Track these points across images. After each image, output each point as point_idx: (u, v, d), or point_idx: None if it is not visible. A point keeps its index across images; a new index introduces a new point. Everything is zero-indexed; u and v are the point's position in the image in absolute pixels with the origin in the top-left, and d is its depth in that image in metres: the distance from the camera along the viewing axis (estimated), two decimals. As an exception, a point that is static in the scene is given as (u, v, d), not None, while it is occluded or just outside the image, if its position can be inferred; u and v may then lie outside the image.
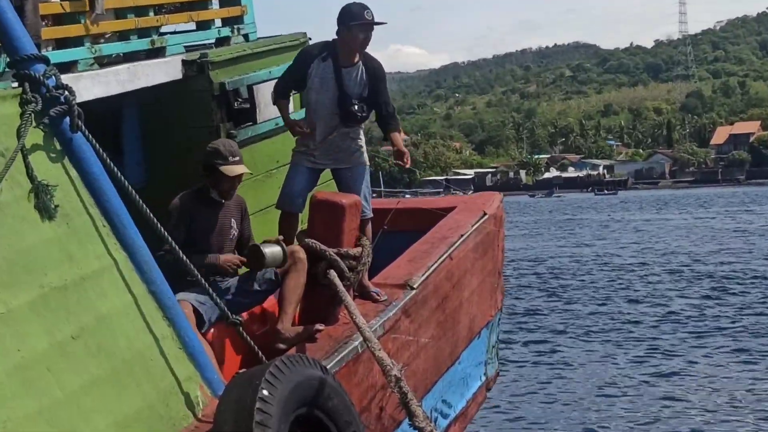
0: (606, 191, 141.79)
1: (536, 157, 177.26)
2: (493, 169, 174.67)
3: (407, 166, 6.43)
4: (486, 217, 7.71)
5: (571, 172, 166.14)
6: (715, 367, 17.64)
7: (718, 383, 16.46)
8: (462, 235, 7.17)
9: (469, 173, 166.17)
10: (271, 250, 5.66)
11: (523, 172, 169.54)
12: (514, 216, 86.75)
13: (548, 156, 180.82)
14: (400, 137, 6.51)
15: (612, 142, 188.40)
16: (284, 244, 5.77)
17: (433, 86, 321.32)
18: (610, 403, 15.17)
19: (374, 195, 8.69)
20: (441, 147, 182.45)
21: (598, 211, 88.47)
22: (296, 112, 6.83)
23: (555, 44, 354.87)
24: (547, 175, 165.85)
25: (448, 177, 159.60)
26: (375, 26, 6.28)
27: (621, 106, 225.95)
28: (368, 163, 6.59)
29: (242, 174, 5.74)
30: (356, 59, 6.30)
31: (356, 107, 6.25)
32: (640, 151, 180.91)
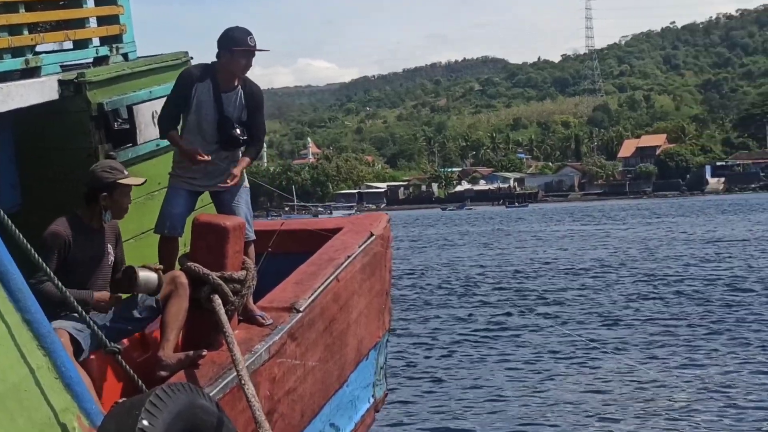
0: (517, 204, 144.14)
1: (448, 170, 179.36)
2: (406, 183, 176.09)
3: (229, 184, 6.22)
4: (373, 237, 7.70)
5: (482, 185, 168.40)
6: (598, 370, 17.92)
7: (599, 379, 16.98)
8: (349, 257, 7.16)
9: (382, 186, 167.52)
10: (146, 275, 5.55)
11: (435, 186, 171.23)
12: (424, 228, 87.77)
13: (460, 169, 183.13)
14: (245, 163, 6.37)
15: (522, 156, 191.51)
16: (161, 274, 5.66)
17: (344, 100, 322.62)
18: (501, 414, 15.30)
19: (287, 210, 8.69)
20: (353, 160, 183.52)
21: (508, 223, 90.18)
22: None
23: (464, 58, 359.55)
24: (459, 188, 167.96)
25: (361, 190, 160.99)
26: (258, 52, 6.24)
27: (530, 119, 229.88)
28: (248, 185, 6.55)
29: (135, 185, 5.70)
30: (236, 83, 6.27)
31: (238, 131, 6.22)
32: (550, 164, 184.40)
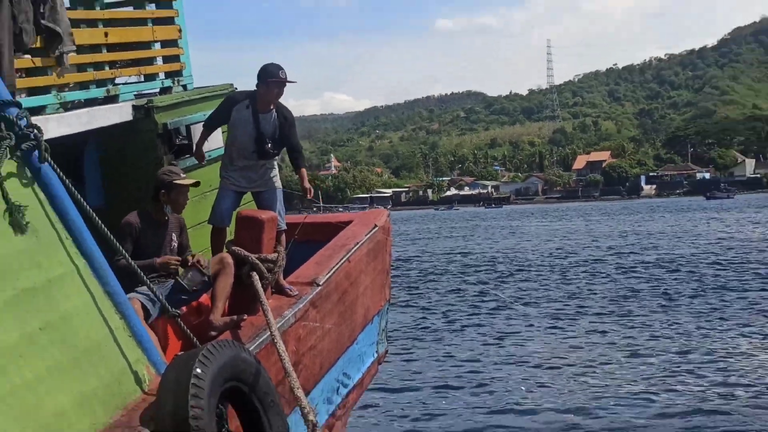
0: (494, 205, 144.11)
1: (439, 179, 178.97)
2: (407, 189, 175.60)
3: (310, 197, 6.35)
4: (376, 228, 7.68)
5: (466, 191, 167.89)
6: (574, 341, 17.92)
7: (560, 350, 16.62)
8: (357, 243, 7.15)
9: (388, 192, 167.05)
10: (188, 279, 5.64)
11: (429, 191, 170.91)
12: (421, 224, 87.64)
13: (449, 178, 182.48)
14: (305, 174, 6.39)
15: (497, 168, 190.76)
16: (204, 267, 5.69)
17: (359, 125, 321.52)
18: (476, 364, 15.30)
19: (315, 210, 8.72)
20: (366, 172, 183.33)
21: (486, 220, 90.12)
22: (221, 148, 6.75)
23: (452, 92, 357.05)
24: (448, 193, 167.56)
25: (372, 195, 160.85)
26: (288, 83, 6.20)
27: (503, 140, 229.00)
28: (281, 187, 6.50)
29: (190, 185, 5.72)
30: (271, 107, 6.22)
31: (269, 145, 6.19)
32: (519, 174, 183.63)
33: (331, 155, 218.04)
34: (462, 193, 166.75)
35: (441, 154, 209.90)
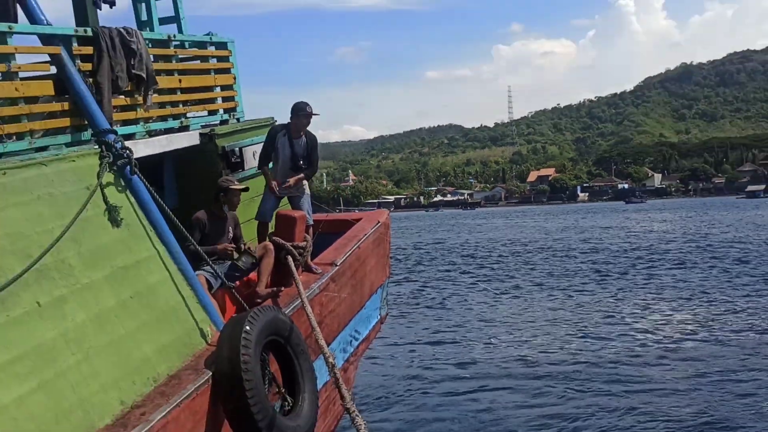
0: (469, 208, 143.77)
1: (428, 189, 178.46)
2: (404, 196, 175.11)
3: (288, 184, 6.08)
4: (379, 224, 7.65)
5: (449, 198, 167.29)
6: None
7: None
8: (365, 234, 7.12)
9: (391, 198, 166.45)
10: (242, 261, 5.63)
11: (421, 197, 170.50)
12: (416, 222, 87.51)
13: (435, 188, 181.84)
14: (301, 177, 6.17)
15: (472, 180, 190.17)
16: (254, 252, 5.63)
17: (370, 149, 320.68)
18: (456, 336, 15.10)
19: (338, 210, 8.76)
20: (375, 183, 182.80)
21: (463, 219, 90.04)
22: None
23: (438, 124, 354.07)
24: (435, 199, 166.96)
25: (379, 200, 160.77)
26: (313, 116, 6.17)
27: (476, 160, 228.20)
28: (309, 193, 6.46)
29: (241, 190, 5.67)
30: (301, 134, 6.19)
31: (301, 162, 6.17)
32: (488, 185, 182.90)
33: (349, 171, 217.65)
34: (445, 199, 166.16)
35: (430, 170, 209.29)
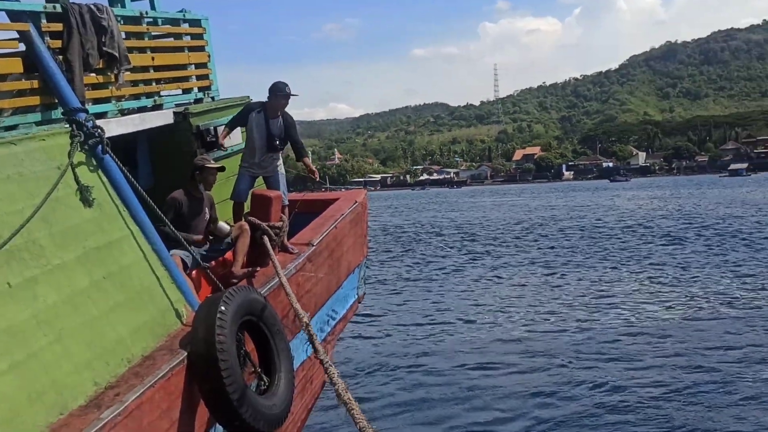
0: (455, 186, 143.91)
1: (415, 167, 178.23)
2: (391, 175, 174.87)
3: (317, 179, 6.22)
4: (356, 204, 7.59)
5: (435, 176, 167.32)
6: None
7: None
8: (342, 215, 7.07)
9: (377, 177, 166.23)
10: (221, 224, 5.65)
11: (408, 176, 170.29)
12: (403, 200, 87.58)
13: (422, 167, 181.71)
14: (308, 161, 6.26)
15: (458, 159, 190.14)
16: (231, 225, 5.62)
17: (355, 127, 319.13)
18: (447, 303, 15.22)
19: (324, 189, 8.77)
20: (361, 162, 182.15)
21: (449, 197, 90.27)
22: (241, 143, 6.61)
23: (424, 103, 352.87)
24: (421, 177, 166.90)
25: (365, 179, 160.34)
26: (291, 96, 6.10)
27: (462, 139, 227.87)
28: (284, 172, 6.42)
29: (217, 169, 5.61)
30: (278, 114, 6.12)
31: (277, 143, 6.11)
32: (473, 164, 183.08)
33: (335, 150, 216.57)
34: (431, 177, 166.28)
35: (416, 149, 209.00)
